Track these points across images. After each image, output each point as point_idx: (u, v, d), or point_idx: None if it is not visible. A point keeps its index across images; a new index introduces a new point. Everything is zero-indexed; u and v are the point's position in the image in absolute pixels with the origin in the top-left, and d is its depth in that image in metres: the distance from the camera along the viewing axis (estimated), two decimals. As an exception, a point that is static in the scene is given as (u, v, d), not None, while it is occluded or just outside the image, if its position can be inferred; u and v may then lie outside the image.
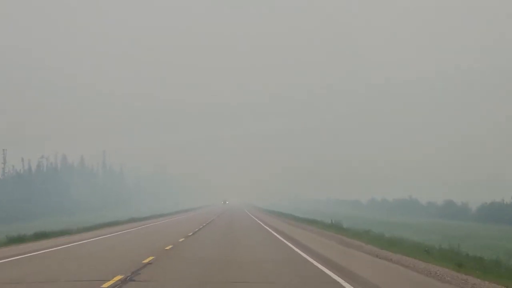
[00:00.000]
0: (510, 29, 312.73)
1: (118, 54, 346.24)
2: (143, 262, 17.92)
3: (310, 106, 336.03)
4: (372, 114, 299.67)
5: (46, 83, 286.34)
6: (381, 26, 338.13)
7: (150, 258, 19.11)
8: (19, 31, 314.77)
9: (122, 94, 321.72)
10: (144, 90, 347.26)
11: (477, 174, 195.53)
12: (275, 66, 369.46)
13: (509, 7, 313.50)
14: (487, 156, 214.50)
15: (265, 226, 45.06)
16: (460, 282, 14.73)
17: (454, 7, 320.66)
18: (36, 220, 75.12)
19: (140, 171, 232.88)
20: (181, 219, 65.06)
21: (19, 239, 28.81)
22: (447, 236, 49.06)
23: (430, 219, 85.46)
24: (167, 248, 23.55)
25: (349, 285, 13.76)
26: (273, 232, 37.31)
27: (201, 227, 42.04)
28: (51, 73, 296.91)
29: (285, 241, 29.30)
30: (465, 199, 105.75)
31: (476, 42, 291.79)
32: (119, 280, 13.99)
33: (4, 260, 19.28)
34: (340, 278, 14.77)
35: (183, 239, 29.48)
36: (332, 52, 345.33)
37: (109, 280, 13.79)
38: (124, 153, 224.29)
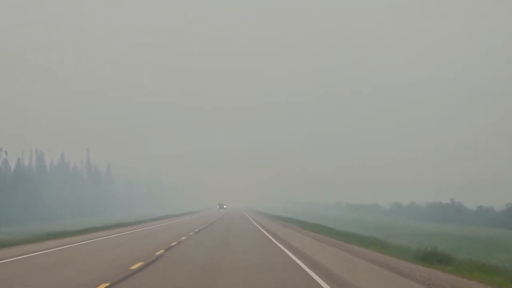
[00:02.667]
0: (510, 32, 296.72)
1: (117, 56, 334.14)
2: None
3: (316, 109, 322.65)
4: (372, 116, 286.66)
5: (38, 85, 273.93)
6: (382, 27, 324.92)
7: None
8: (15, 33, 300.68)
9: (114, 97, 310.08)
10: (136, 93, 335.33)
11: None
12: (274, 69, 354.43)
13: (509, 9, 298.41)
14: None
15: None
16: None
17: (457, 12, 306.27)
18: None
19: (133, 175, 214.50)
20: (147, 231, 42.54)
21: None
22: None
23: (494, 229, 64.89)
24: None
25: None
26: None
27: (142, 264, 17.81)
28: (43, 75, 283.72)
29: None
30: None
31: (477, 46, 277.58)
32: None
33: None
34: None
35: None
36: (334, 54, 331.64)
37: None
38: (117, 158, 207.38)
